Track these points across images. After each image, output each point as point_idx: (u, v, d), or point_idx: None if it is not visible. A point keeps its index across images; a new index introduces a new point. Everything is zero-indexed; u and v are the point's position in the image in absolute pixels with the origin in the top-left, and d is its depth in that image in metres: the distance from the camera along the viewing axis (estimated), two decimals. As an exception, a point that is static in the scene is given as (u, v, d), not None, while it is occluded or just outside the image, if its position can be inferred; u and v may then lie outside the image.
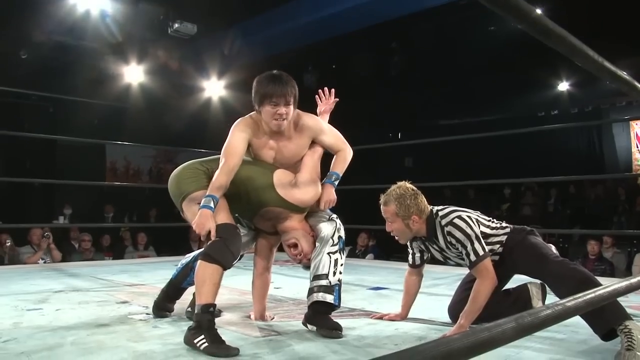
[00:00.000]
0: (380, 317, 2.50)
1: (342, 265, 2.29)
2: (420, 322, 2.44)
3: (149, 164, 11.34)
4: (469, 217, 2.25)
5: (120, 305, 2.81)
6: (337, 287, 2.25)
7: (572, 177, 8.31)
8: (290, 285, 3.54)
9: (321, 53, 8.51)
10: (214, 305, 2.04)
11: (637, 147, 10.74)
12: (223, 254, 2.07)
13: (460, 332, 2.06)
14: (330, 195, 2.38)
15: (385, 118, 11.21)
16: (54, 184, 8.81)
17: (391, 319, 2.46)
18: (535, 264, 2.17)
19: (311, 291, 2.27)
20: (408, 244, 2.45)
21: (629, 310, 1.93)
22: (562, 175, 7.53)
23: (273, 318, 2.52)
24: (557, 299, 1.11)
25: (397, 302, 2.57)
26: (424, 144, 5.79)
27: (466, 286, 2.39)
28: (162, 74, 8.92)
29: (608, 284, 1.14)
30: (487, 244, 2.24)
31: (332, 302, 2.23)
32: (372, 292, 3.40)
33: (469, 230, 2.19)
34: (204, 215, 2.07)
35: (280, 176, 2.30)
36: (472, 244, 2.17)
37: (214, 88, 9.48)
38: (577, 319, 1.86)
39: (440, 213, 2.28)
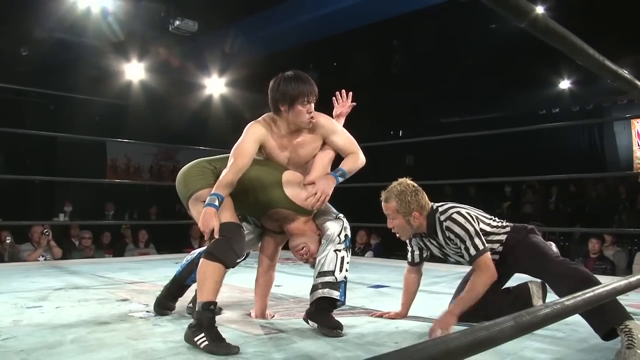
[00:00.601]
0: (381, 315, 2.51)
1: (348, 263, 2.29)
2: (420, 321, 2.44)
3: (149, 161, 11.36)
4: (468, 213, 2.25)
5: (121, 303, 2.81)
6: (343, 284, 2.25)
7: (572, 175, 8.30)
8: (291, 283, 3.54)
9: (322, 51, 8.51)
10: (215, 303, 2.05)
11: (639, 145, 10.73)
12: (226, 252, 2.08)
13: (447, 317, 2.07)
14: (326, 187, 2.26)
15: (386, 116, 11.22)
16: (54, 181, 8.83)
17: (391, 318, 2.47)
18: (536, 263, 2.17)
19: (315, 287, 2.26)
20: (407, 242, 2.45)
21: (629, 309, 1.93)
22: (563, 173, 7.54)
23: (273, 316, 2.52)
24: (557, 297, 1.11)
25: (397, 300, 2.57)
26: (425, 141, 5.80)
27: (464, 286, 2.40)
28: (163, 72, 8.92)
29: (607, 283, 1.15)
30: (487, 242, 2.24)
31: (338, 298, 2.23)
32: (373, 290, 3.40)
33: (467, 226, 2.19)
34: (207, 214, 2.07)
35: (289, 177, 2.30)
36: (472, 239, 2.17)
37: (215, 85, 9.48)
38: (578, 318, 1.86)
39: (440, 209, 2.28)
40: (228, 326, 2.30)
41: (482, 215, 2.32)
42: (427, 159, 11.25)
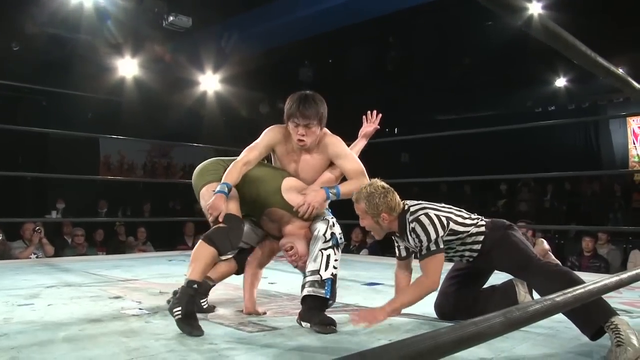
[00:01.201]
0: None
1: (336, 260, 2.30)
2: (412, 317, 2.46)
3: (143, 158, 11.33)
4: (437, 216, 2.19)
5: (113, 300, 2.81)
6: (329, 281, 2.26)
7: (568, 173, 8.34)
8: (284, 280, 3.55)
9: (317, 47, 8.51)
10: (199, 284, 2.19)
11: (634, 143, 10.80)
12: (222, 240, 2.20)
13: (376, 312, 2.06)
14: (314, 199, 2.33)
15: (381, 113, 11.21)
16: (46, 178, 8.79)
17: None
18: (518, 264, 2.16)
19: (303, 287, 2.29)
20: (393, 237, 2.45)
21: (621, 307, 1.94)
22: (559, 171, 7.58)
23: (265, 313, 2.53)
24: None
25: (391, 297, 2.58)
26: (421, 139, 5.82)
27: (450, 281, 2.41)
28: (157, 68, 8.89)
29: (598, 279, 1.15)
30: (464, 243, 2.24)
31: (324, 295, 2.24)
32: (367, 288, 3.41)
33: (430, 229, 2.14)
34: (218, 198, 2.22)
35: (290, 182, 2.42)
36: (429, 242, 2.14)
37: (210, 82, 9.45)
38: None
39: (411, 209, 2.25)
40: (221, 323, 2.31)
41: (455, 215, 2.27)
42: (422, 157, 11.27)
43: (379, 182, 2.30)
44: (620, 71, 1.41)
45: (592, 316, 1.87)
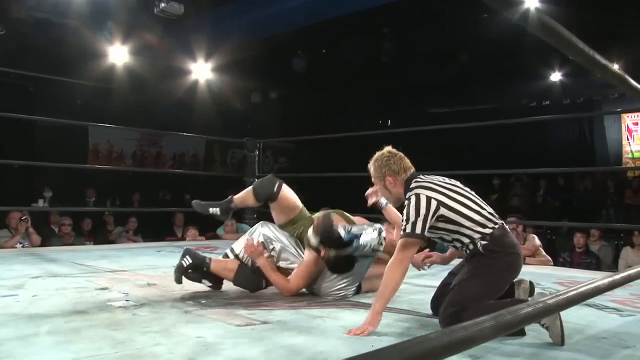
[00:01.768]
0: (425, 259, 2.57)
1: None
2: (404, 314, 2.45)
3: (133, 147, 11.24)
4: (428, 198, 2.13)
5: (100, 291, 2.79)
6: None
7: (560, 169, 8.38)
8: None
9: (311, 37, 8.46)
10: (234, 203, 3.04)
11: (628, 139, 10.86)
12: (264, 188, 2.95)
13: (374, 318, 2.09)
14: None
15: (375, 105, 11.20)
16: (33, 166, 8.69)
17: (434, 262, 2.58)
18: (468, 294, 2.08)
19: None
20: None
21: (611, 305, 1.95)
22: (552, 166, 7.61)
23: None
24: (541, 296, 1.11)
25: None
26: (413, 132, 5.81)
27: (449, 279, 2.38)
28: (148, 55, 8.80)
29: (591, 280, 1.15)
30: (459, 233, 2.18)
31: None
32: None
33: (422, 208, 2.10)
34: None
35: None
36: (416, 219, 2.09)
37: (201, 70, 9.39)
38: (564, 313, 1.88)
39: (415, 183, 2.23)
40: (209, 316, 2.30)
41: (461, 203, 2.17)
42: (414, 150, 11.24)
43: (387, 148, 2.39)
44: (616, 68, 1.40)
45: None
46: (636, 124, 10.78)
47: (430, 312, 2.43)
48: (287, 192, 2.94)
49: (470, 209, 2.18)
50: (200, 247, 5.03)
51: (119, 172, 10.37)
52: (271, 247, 2.86)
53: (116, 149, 10.93)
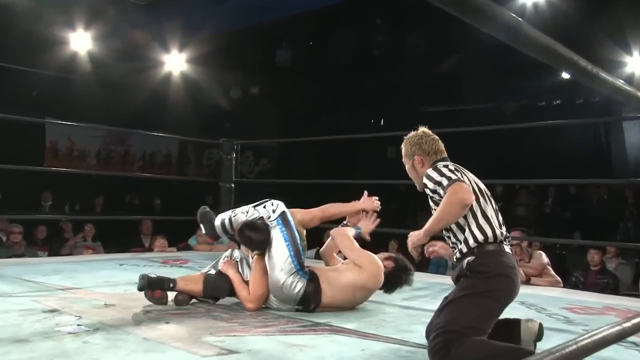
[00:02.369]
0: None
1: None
2: (391, 343, 2.42)
3: (97, 145, 11.14)
4: (457, 169, 2.28)
5: (47, 314, 2.71)
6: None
7: (571, 180, 8.26)
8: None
9: (297, 28, 8.44)
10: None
11: (650, 143, 10.73)
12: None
13: (419, 236, 2.22)
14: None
15: (366, 102, 11.17)
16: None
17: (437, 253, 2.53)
18: (459, 304, 2.10)
19: None
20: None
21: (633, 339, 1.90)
22: (563, 172, 7.52)
23: None
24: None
25: (367, 315, 2.54)
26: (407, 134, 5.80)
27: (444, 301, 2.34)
28: (115, 44, 8.75)
29: (596, 330, 1.09)
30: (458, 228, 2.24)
31: None
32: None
33: (445, 171, 2.23)
34: None
35: None
36: (442, 176, 2.21)
37: (175, 62, 9.34)
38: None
39: (447, 165, 2.31)
40: (172, 344, 2.24)
41: (490, 201, 2.31)
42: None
43: (422, 128, 2.52)
44: (621, 83, 1.37)
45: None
46: (660, 125, 10.66)
47: (418, 340, 2.40)
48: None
49: (486, 207, 2.26)
50: (169, 260, 4.98)
51: (80, 174, 10.26)
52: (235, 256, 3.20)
53: (77, 147, 10.81)
